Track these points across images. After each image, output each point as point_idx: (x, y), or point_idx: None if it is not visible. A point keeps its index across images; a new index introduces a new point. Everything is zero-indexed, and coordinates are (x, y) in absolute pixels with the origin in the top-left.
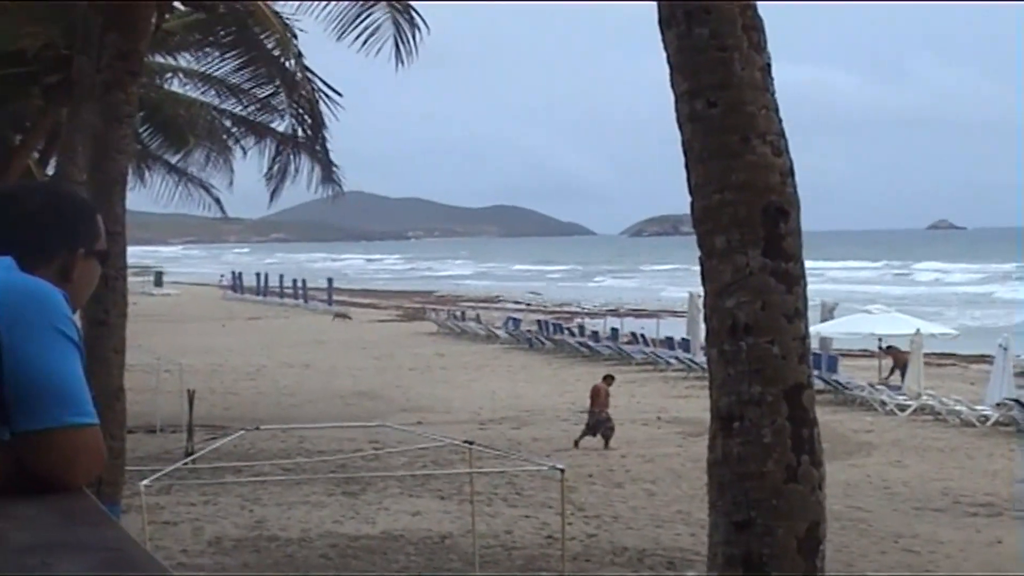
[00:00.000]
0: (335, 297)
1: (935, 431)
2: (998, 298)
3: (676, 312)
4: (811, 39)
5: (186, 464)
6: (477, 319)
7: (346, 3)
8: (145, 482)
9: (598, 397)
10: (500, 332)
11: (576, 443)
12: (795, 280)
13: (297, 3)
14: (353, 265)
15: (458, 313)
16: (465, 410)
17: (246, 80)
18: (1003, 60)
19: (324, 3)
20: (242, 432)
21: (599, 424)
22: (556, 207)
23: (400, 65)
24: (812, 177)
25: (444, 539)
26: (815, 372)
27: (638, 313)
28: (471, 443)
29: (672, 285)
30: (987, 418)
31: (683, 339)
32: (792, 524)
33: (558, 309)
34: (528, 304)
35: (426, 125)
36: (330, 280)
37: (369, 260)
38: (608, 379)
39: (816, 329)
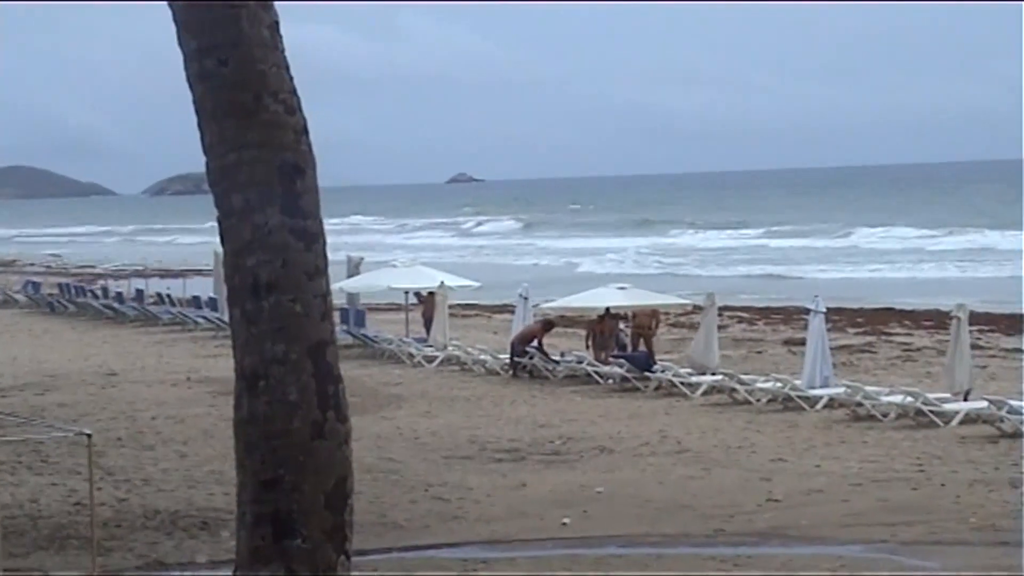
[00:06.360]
0: None
1: (462, 381)
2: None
3: (202, 271)
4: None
5: None
6: None
7: None
8: None
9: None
10: (19, 296)
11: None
12: (314, 237)
13: None
14: None
15: None
16: None
17: None
18: (495, 20)
19: None
20: None
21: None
22: (74, 167)
23: None
24: (328, 135)
25: None
26: (343, 327)
27: (164, 273)
28: None
29: (199, 243)
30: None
31: (210, 298)
32: (320, 480)
33: (80, 271)
34: (48, 267)
35: None
36: None
37: None
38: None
39: (341, 284)
